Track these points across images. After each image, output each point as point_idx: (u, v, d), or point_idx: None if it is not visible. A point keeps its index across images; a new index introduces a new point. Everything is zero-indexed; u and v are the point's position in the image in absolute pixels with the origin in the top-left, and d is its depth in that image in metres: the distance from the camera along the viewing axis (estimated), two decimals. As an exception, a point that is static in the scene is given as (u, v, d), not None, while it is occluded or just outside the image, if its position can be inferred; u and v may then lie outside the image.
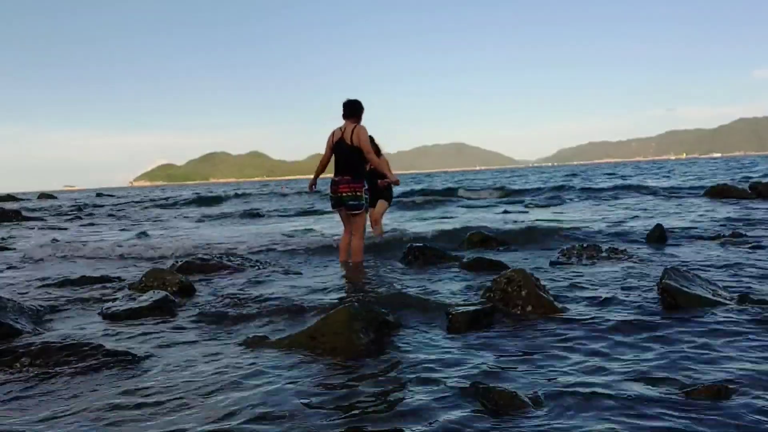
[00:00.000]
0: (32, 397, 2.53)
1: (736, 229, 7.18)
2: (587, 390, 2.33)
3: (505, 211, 12.87)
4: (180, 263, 5.85)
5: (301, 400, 2.35)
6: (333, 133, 5.68)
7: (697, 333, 3.00)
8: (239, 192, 31.95)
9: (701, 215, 9.49)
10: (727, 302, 3.56)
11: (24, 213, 18.01)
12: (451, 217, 12.05)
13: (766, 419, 2.02)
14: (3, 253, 8.13)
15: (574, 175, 40.09)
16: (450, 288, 4.47)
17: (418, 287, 4.53)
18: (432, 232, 8.06)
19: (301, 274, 5.53)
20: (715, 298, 3.59)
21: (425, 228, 9.17)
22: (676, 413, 2.10)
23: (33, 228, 13.94)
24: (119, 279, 5.51)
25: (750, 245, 5.88)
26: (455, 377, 2.54)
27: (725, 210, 10.16)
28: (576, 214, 11.16)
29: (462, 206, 15.63)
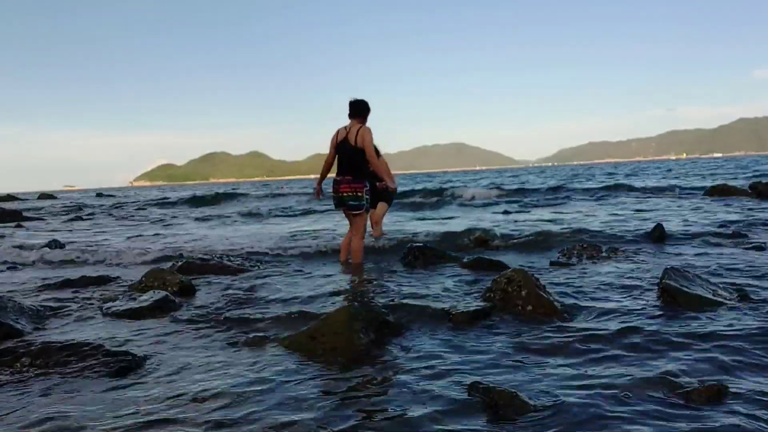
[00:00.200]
0: (32, 397, 2.53)
1: (737, 228, 7.18)
2: (587, 390, 2.33)
3: (505, 211, 12.87)
4: (180, 263, 5.85)
5: (301, 401, 2.35)
6: (337, 132, 5.65)
7: (697, 333, 3.00)
8: (239, 192, 31.95)
9: (701, 215, 9.49)
10: (728, 302, 3.56)
11: (24, 213, 18.01)
12: (451, 218, 12.05)
13: (765, 419, 2.02)
14: (3, 253, 8.12)
15: (574, 175, 40.11)
16: (450, 288, 4.47)
17: (418, 287, 4.53)
18: (431, 232, 8.06)
19: (301, 274, 5.53)
20: (715, 298, 3.59)
21: (425, 228, 9.17)
22: (676, 413, 2.10)
23: (33, 228, 13.94)
24: (119, 279, 5.51)
25: (750, 245, 5.88)
26: (455, 377, 2.54)
27: (725, 210, 10.17)
28: (576, 214, 11.15)
29: (461, 206, 15.63)
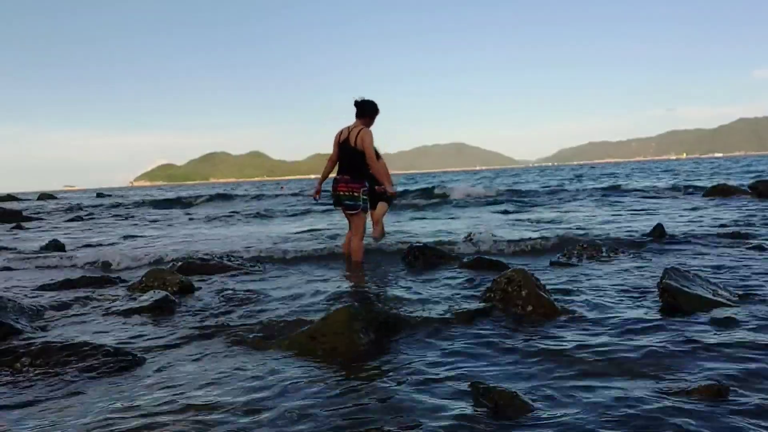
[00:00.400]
0: (32, 397, 2.53)
1: (737, 228, 7.18)
2: (588, 390, 2.33)
3: (505, 211, 12.88)
4: (180, 263, 5.85)
5: (301, 401, 2.35)
6: (341, 132, 5.62)
7: (697, 333, 3.00)
8: (239, 192, 31.96)
9: (701, 215, 9.49)
10: (728, 302, 3.56)
11: (24, 213, 18.01)
12: (451, 218, 12.05)
13: (765, 419, 2.02)
14: (3, 253, 8.13)
15: (574, 175, 40.11)
16: (450, 288, 4.47)
17: (418, 287, 4.53)
18: (432, 232, 8.07)
19: (301, 274, 5.53)
20: (715, 298, 3.59)
21: (425, 228, 9.18)
22: (677, 413, 2.10)
23: (33, 228, 13.94)
24: (120, 279, 5.51)
25: (750, 245, 5.88)
26: (455, 377, 2.54)
27: (725, 210, 10.17)
28: (576, 214, 11.15)
29: (460, 206, 15.63)
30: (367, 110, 5.59)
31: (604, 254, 5.66)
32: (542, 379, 2.49)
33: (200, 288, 4.88)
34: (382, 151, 6.57)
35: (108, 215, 18.83)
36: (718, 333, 2.98)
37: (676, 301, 3.51)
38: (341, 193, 5.52)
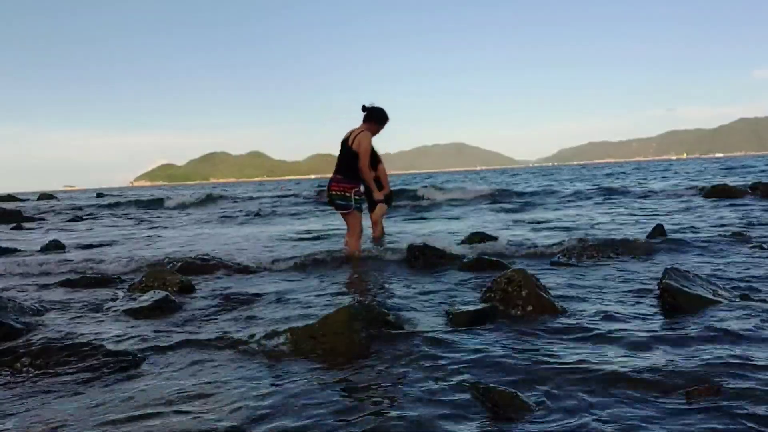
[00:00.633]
0: (33, 398, 2.53)
1: (737, 228, 7.17)
2: (588, 391, 2.33)
3: (505, 211, 12.88)
4: (180, 263, 5.85)
5: (301, 401, 2.35)
6: (348, 132, 5.67)
7: (697, 333, 3.00)
8: (239, 192, 31.99)
9: (702, 215, 9.49)
10: (728, 302, 3.56)
11: (24, 213, 18.02)
12: (450, 218, 12.05)
13: (765, 419, 2.02)
14: (3, 253, 8.12)
15: (574, 175, 40.11)
16: (450, 288, 4.47)
17: (418, 287, 4.53)
18: (431, 232, 8.06)
19: (301, 274, 5.53)
20: (715, 298, 3.59)
21: (424, 228, 9.17)
22: (676, 413, 2.10)
23: (33, 229, 13.94)
24: (120, 279, 5.51)
25: (750, 245, 5.87)
26: (455, 378, 2.54)
27: (726, 210, 10.16)
28: (576, 214, 11.15)
29: (460, 206, 15.63)
30: (373, 116, 5.60)
31: (604, 254, 5.66)
32: (542, 379, 2.48)
33: (200, 288, 4.88)
34: (382, 151, 6.57)
35: (108, 215, 18.84)
36: (719, 334, 2.98)
37: (677, 301, 3.50)
38: (333, 192, 5.54)
